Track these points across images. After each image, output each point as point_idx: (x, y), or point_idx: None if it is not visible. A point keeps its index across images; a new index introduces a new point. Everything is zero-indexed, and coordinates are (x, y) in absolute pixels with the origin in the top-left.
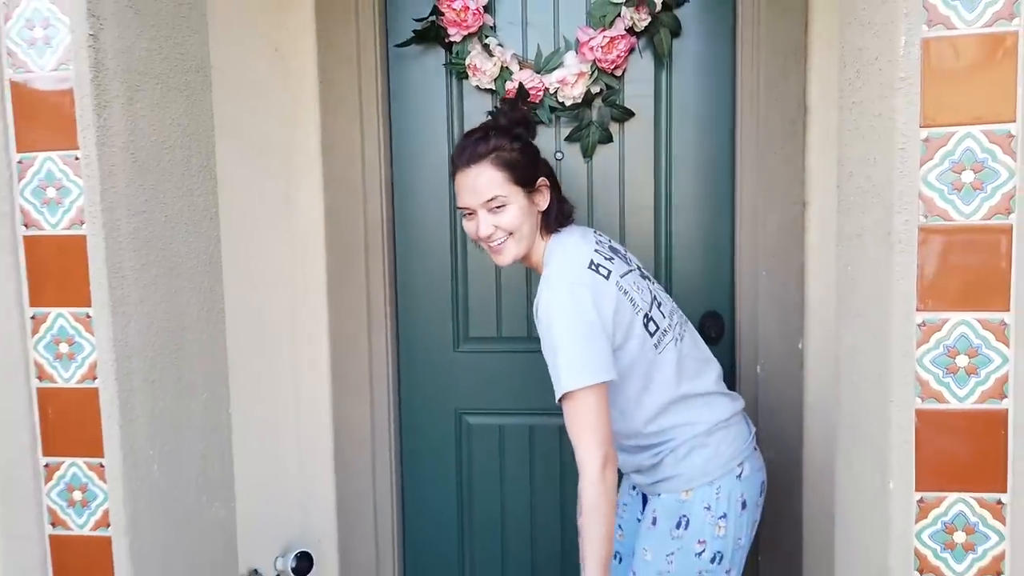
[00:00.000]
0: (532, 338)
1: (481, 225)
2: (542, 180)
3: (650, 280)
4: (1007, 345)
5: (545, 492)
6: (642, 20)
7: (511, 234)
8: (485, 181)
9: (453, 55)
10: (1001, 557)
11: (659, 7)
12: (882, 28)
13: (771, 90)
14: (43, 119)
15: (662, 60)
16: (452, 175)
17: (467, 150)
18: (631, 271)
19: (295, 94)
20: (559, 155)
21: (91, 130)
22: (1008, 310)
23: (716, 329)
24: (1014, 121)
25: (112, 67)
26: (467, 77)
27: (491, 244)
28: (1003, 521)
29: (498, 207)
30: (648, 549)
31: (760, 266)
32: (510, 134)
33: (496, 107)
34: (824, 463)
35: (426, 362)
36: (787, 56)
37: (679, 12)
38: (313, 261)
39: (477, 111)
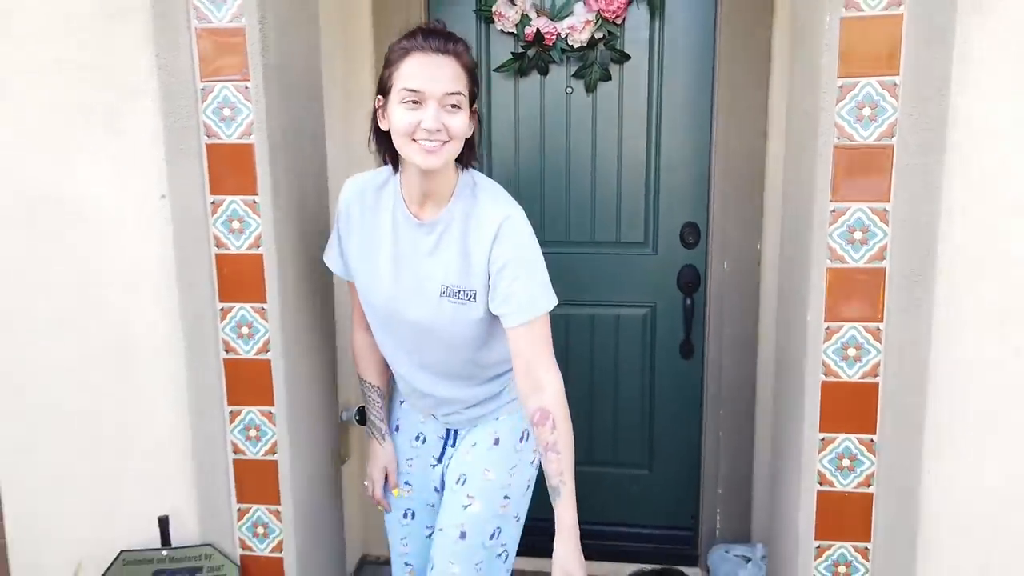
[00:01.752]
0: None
1: (429, 116)
2: (476, 107)
3: None
4: (887, 224)
5: None
6: None
7: (451, 140)
8: (451, 74)
9: (482, 3)
10: (872, 475)
11: None
12: (815, 8)
13: (743, 41)
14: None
15: (655, 12)
16: (395, 60)
17: (436, 37)
18: None
19: (354, 26)
20: (569, 89)
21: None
22: (888, 201)
23: (694, 236)
24: (898, 74)
25: (270, 17)
26: (493, 22)
27: (430, 141)
28: (873, 451)
29: (453, 106)
30: (490, 469)
31: (729, 185)
32: (466, 44)
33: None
34: (774, 344)
35: None
36: (757, 13)
37: None
38: None
39: (502, 50)
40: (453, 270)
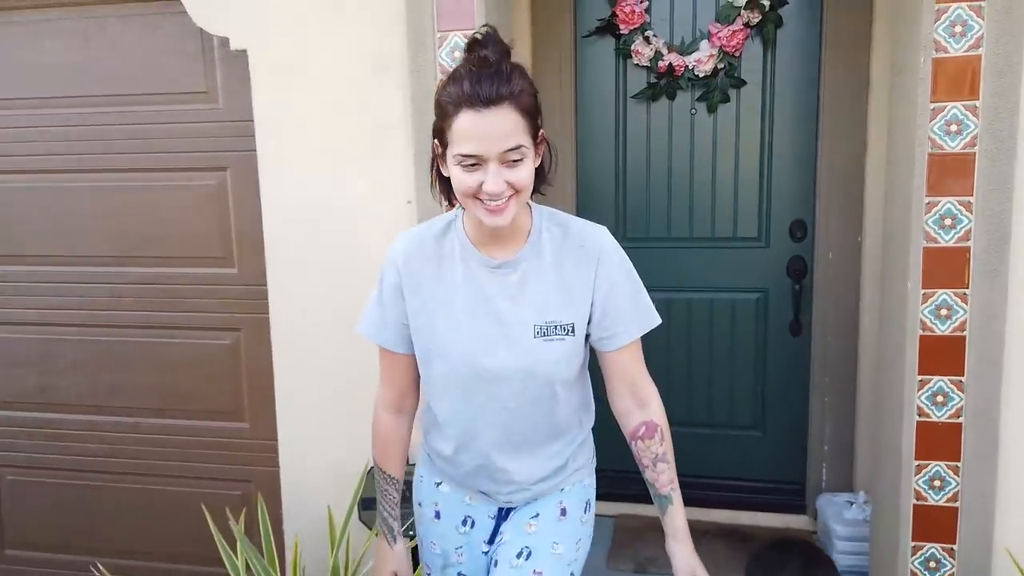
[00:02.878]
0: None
1: (491, 179)
2: (543, 133)
3: None
4: (971, 213)
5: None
6: (755, 18)
7: (516, 193)
8: (508, 127)
9: (620, 43)
10: (961, 409)
11: (767, 7)
12: (912, 48)
13: (845, 67)
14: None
15: (768, 45)
16: (447, 113)
17: (484, 86)
18: None
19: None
20: (693, 111)
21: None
22: (972, 195)
23: (801, 231)
24: (978, 99)
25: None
26: (630, 58)
27: (494, 201)
28: (962, 390)
29: (515, 160)
30: (559, 542)
31: (832, 187)
32: (522, 72)
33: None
34: (873, 321)
35: None
36: (857, 42)
37: (782, 11)
38: None
39: (636, 80)
40: (550, 305)
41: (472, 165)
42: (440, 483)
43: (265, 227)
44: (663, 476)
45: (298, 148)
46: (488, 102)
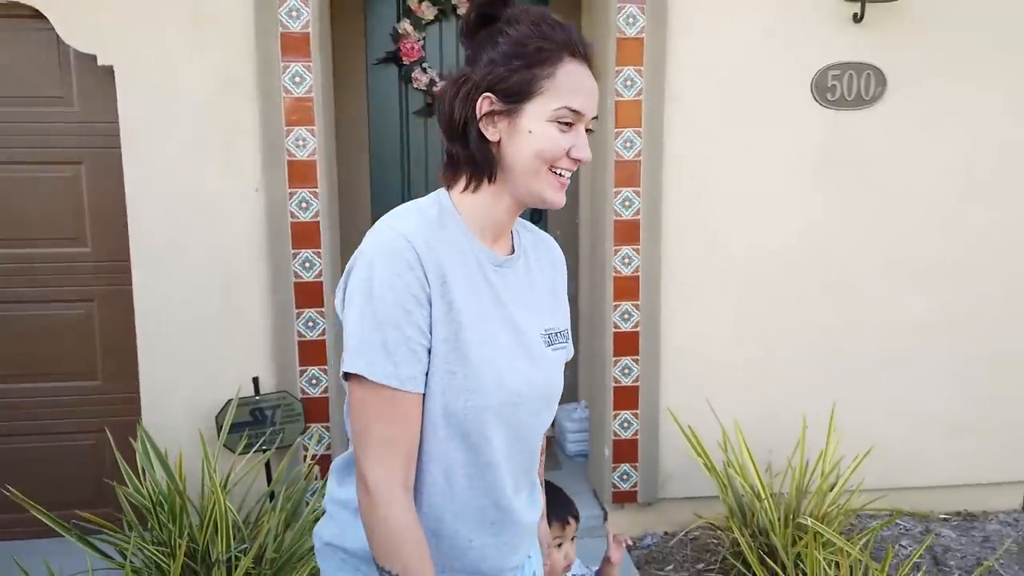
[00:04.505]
0: None
1: (583, 144)
2: None
3: None
4: (639, 198)
5: None
6: None
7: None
8: (596, 90)
9: (403, 72)
10: (638, 322)
11: None
12: (600, 93)
13: None
14: None
15: None
16: (546, 59)
17: (583, 39)
18: None
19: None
20: None
21: None
22: (639, 185)
23: (538, 214)
24: (641, 127)
25: (323, 93)
26: (411, 83)
27: (568, 172)
28: (639, 309)
29: (589, 131)
30: None
31: None
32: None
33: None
34: (587, 274)
35: None
36: None
37: None
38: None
39: (417, 101)
40: (549, 309)
41: (568, 124)
42: None
43: (130, 213)
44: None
45: (162, 148)
46: (587, 56)
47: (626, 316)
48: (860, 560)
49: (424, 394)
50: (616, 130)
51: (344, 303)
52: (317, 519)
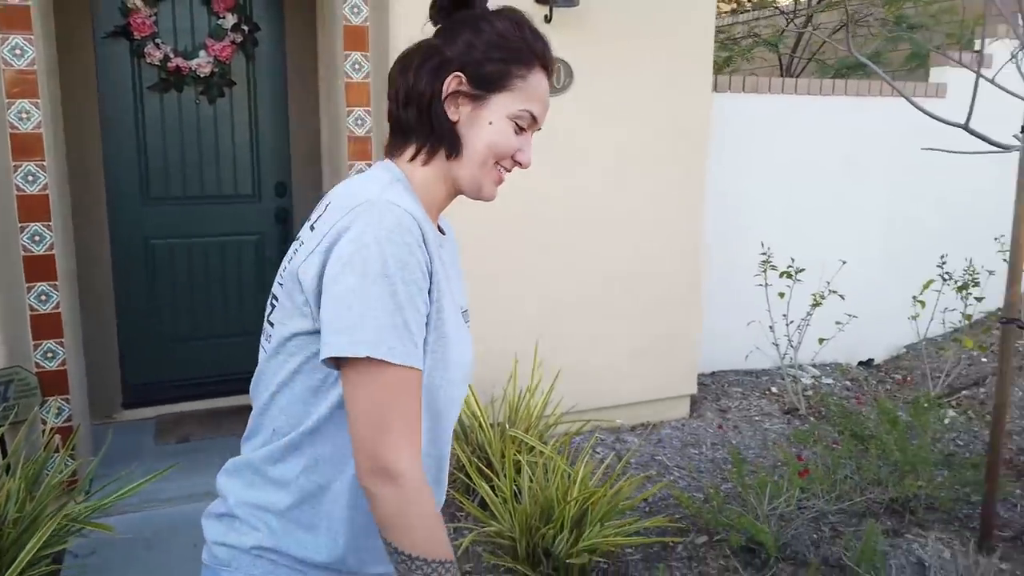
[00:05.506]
0: None
1: (529, 151)
2: None
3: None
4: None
5: None
6: (238, 38)
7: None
8: (549, 106)
9: (135, 46)
10: None
11: (247, 31)
12: (334, 74)
13: (301, 77)
14: None
15: (249, 58)
16: (523, 60)
17: (552, 56)
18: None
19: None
20: (198, 101)
21: None
22: (372, 160)
23: (283, 189)
24: (370, 107)
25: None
26: (143, 57)
27: (506, 174)
28: None
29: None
30: None
31: (301, 157)
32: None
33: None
34: None
35: None
36: (307, 63)
37: (257, 35)
38: None
39: (152, 77)
40: (460, 289)
41: (522, 128)
42: None
43: None
44: None
45: None
46: (551, 73)
47: None
48: (552, 458)
49: None
50: (348, 108)
51: (328, 278)
52: (60, 484)
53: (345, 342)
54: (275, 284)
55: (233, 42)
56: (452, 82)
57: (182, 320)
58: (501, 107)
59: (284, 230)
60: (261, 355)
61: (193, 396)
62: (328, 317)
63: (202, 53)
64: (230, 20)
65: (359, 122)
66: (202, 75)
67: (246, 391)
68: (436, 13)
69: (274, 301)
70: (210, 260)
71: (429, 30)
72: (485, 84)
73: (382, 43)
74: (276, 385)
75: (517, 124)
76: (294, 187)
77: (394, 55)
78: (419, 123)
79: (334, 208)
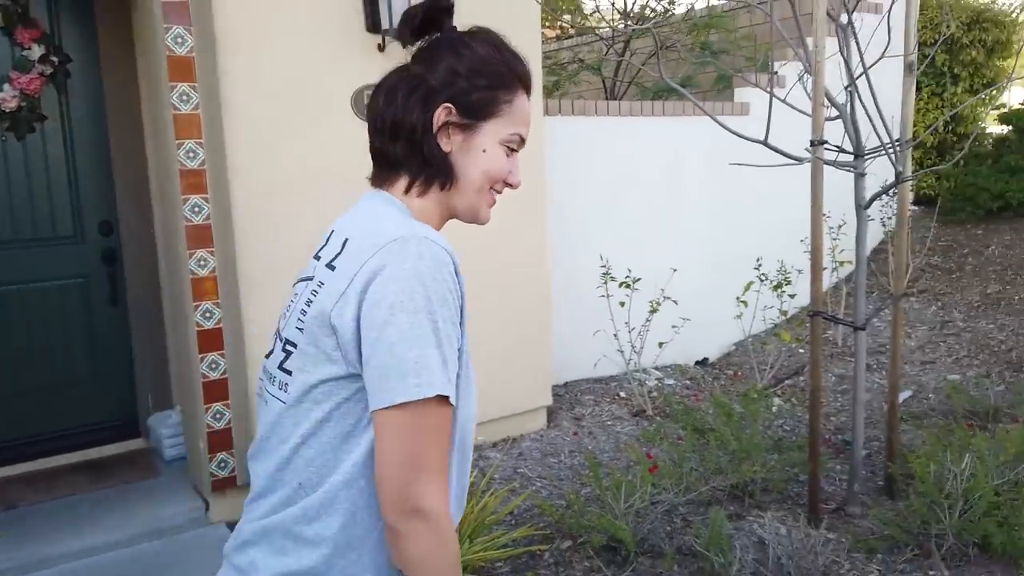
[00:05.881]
0: None
1: (518, 172)
2: None
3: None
4: (209, 204)
5: None
6: (48, 69)
7: None
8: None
9: None
10: (220, 319)
11: (57, 63)
12: (164, 107)
13: (122, 109)
14: None
15: (61, 90)
16: (509, 85)
17: (529, 69)
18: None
19: None
20: (3, 138)
21: None
22: (208, 193)
23: (107, 228)
24: (202, 139)
25: None
26: None
27: (496, 196)
28: (219, 308)
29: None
30: None
31: (128, 194)
32: None
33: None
34: (167, 280)
35: None
36: (129, 95)
37: (69, 66)
38: None
39: None
40: None
41: (512, 150)
42: None
43: None
44: None
45: None
46: (530, 93)
47: (207, 315)
48: None
49: None
50: (178, 141)
51: (373, 320)
52: None
53: (411, 385)
54: (287, 329)
55: (42, 74)
56: (442, 114)
57: (3, 375)
58: (492, 134)
59: (113, 271)
60: (273, 406)
61: (21, 457)
62: (384, 362)
63: (6, 87)
64: (37, 51)
65: (191, 155)
66: (7, 110)
67: (83, 446)
68: (407, 36)
69: (289, 348)
70: (30, 308)
71: (254, 62)
72: (474, 113)
73: (210, 74)
74: (300, 436)
75: (508, 147)
76: (121, 225)
77: (224, 86)
78: (411, 156)
79: (358, 247)
